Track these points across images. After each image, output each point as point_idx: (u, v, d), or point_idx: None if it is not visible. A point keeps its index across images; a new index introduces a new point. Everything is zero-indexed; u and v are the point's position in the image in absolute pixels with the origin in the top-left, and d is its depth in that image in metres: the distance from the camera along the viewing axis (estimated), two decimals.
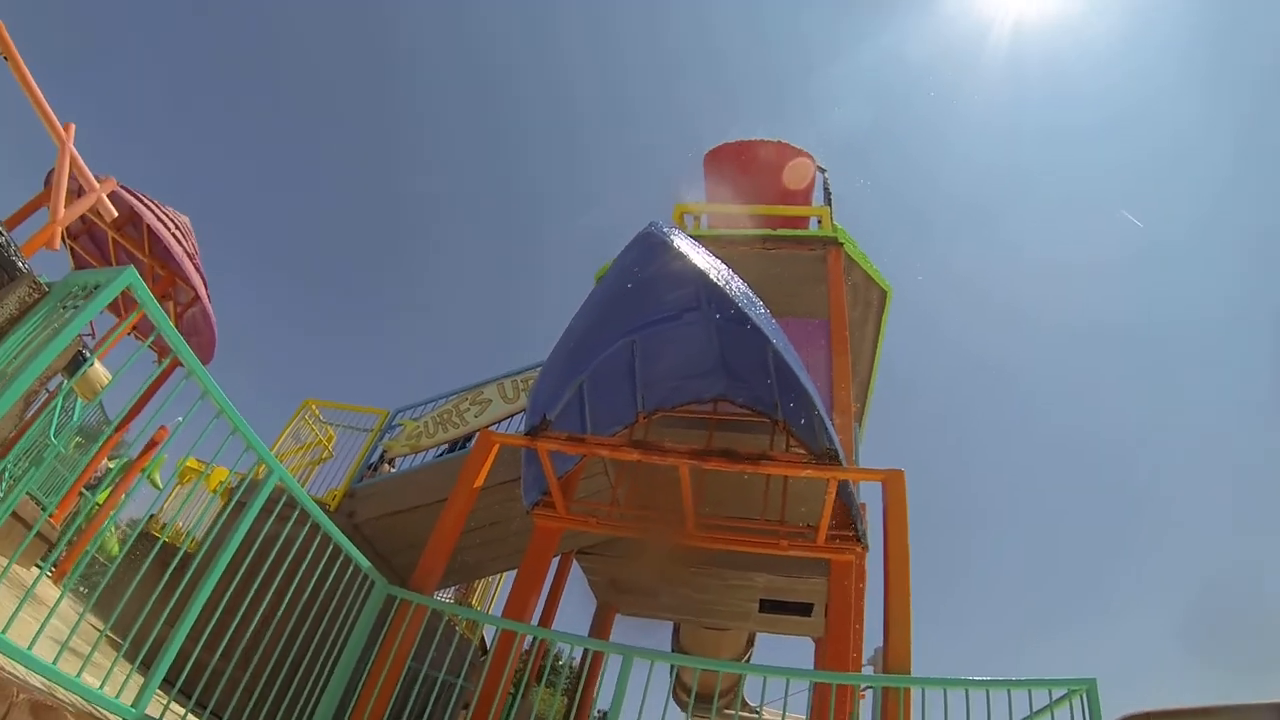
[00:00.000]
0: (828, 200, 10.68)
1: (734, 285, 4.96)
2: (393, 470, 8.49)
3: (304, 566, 4.05)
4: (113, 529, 9.74)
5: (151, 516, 9.55)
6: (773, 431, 6.32)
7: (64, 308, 2.94)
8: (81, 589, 8.43)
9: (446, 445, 8.34)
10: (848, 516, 5.39)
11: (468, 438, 8.25)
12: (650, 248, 5.03)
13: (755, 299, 5.07)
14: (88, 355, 6.48)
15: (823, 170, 11.17)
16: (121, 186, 8.02)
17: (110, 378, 7.41)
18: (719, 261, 5.07)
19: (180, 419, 3.48)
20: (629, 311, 5.66)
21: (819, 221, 9.56)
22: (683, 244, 4.92)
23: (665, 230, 4.94)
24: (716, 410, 6.81)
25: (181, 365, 3.16)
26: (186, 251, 9.14)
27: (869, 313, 9.24)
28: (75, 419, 8.41)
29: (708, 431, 6.79)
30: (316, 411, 9.02)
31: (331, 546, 4.24)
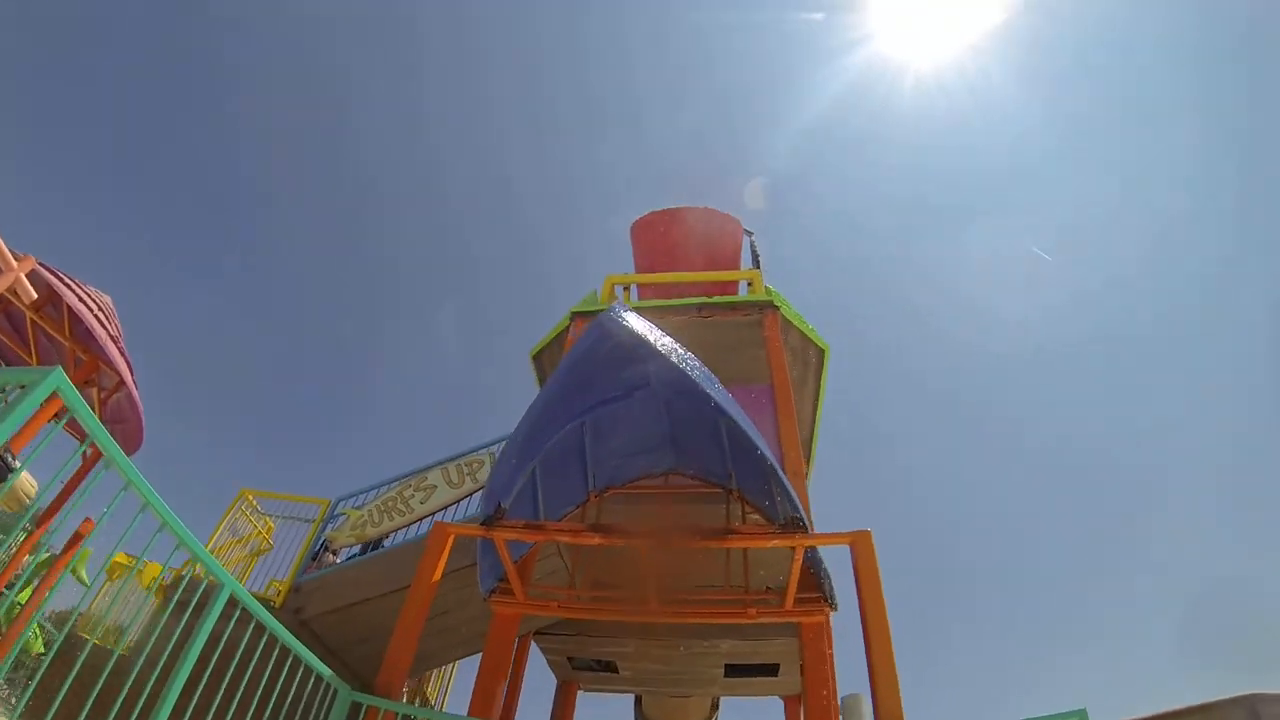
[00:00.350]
0: (756, 263, 10.96)
1: (687, 361, 5.05)
2: (337, 560, 8.19)
3: (264, 680, 3.86)
4: (38, 634, 8.98)
5: (81, 615, 8.90)
6: (727, 501, 6.38)
7: None
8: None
9: (360, 548, 8.13)
10: (814, 578, 5.46)
11: (378, 541, 8.09)
12: (602, 330, 5.11)
13: (710, 374, 5.18)
14: (10, 461, 6.11)
15: (749, 233, 11.49)
16: (41, 264, 7.69)
17: (36, 487, 6.98)
18: (669, 338, 5.17)
19: (106, 509, 3.29)
20: (580, 394, 5.69)
21: (749, 285, 9.82)
22: (633, 322, 5.01)
23: (619, 311, 5.03)
24: (668, 484, 6.82)
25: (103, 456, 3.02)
26: (110, 334, 8.72)
27: (808, 372, 9.48)
28: None
29: (660, 506, 6.78)
30: (254, 502, 8.65)
31: (291, 657, 4.06)
